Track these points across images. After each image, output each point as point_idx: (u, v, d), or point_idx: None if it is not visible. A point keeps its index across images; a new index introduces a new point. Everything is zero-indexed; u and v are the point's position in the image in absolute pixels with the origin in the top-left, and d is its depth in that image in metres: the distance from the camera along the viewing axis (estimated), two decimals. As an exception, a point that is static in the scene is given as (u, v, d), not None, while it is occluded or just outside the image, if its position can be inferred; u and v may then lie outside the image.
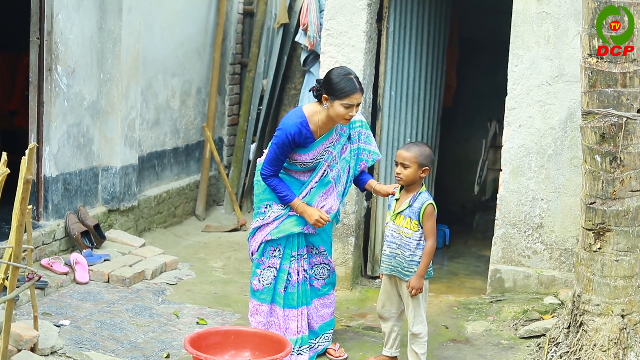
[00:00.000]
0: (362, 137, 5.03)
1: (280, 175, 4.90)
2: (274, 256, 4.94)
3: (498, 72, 6.83)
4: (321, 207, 4.90)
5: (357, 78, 4.74)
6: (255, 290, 4.98)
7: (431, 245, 4.65)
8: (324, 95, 4.72)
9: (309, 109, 4.84)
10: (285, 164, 4.87)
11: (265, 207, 4.92)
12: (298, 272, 4.97)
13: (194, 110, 8.22)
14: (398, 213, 4.70)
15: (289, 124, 4.76)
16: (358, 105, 4.74)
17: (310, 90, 4.92)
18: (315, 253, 5.06)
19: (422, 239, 4.66)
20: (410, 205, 4.66)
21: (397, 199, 4.76)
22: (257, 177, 4.98)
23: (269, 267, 4.94)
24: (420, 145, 4.74)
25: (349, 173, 4.99)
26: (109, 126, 6.85)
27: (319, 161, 4.88)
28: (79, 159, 6.66)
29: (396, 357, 4.95)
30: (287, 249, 4.94)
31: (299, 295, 4.97)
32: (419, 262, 4.65)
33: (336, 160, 4.92)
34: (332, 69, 4.83)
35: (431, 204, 4.65)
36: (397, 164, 4.69)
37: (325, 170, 4.90)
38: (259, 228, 4.95)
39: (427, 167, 4.65)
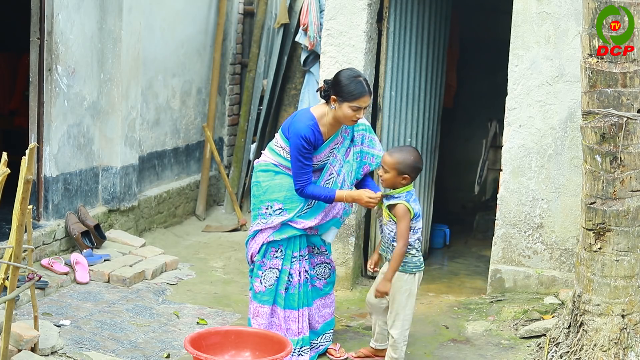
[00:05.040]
0: (366, 141, 4.99)
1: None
2: (276, 257, 4.92)
3: (498, 72, 6.83)
4: (329, 211, 4.90)
5: (366, 80, 4.70)
6: (257, 292, 4.95)
7: (400, 248, 4.59)
8: (333, 96, 4.68)
9: (318, 111, 4.79)
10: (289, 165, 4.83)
11: (267, 209, 4.88)
12: (299, 273, 4.95)
13: (194, 110, 8.22)
14: (384, 196, 4.77)
15: (300, 127, 4.69)
16: (366, 107, 4.72)
17: (317, 91, 4.88)
18: (317, 253, 5.05)
19: (395, 232, 4.67)
20: (391, 196, 4.68)
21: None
22: (257, 179, 4.93)
23: (270, 268, 4.92)
24: (405, 152, 4.66)
25: (352, 176, 4.98)
26: (109, 126, 6.85)
27: (325, 163, 4.87)
28: (79, 159, 6.66)
29: (383, 350, 4.94)
30: (289, 250, 4.92)
31: (299, 296, 4.96)
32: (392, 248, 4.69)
33: (341, 163, 4.90)
34: (341, 71, 4.77)
35: (404, 205, 4.60)
36: (380, 166, 4.71)
37: (332, 174, 4.89)
38: (260, 230, 4.93)
39: (407, 176, 4.61)
